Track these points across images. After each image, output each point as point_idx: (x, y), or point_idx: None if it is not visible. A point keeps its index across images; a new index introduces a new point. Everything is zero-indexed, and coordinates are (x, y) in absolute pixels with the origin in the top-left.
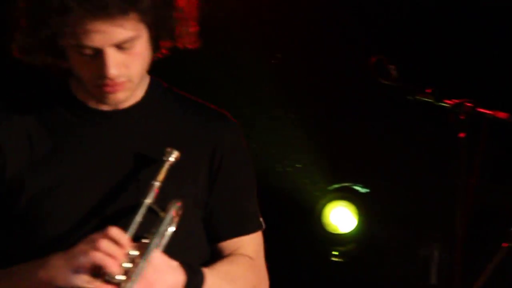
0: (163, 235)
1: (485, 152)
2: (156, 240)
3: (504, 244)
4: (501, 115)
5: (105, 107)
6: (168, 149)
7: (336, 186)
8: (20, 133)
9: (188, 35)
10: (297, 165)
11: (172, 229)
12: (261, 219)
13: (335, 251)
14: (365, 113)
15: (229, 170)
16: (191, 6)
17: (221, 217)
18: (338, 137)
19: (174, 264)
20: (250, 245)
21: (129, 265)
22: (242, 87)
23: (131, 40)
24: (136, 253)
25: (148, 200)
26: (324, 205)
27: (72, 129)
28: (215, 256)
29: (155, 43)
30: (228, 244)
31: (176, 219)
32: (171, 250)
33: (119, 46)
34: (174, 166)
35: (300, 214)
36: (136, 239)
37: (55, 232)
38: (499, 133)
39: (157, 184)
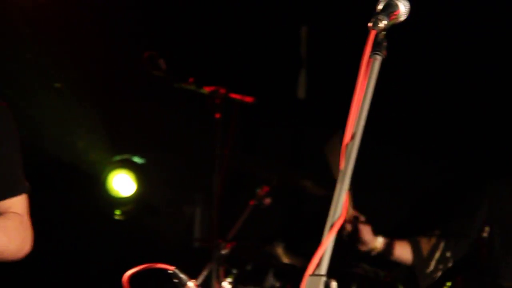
0: None
1: (236, 129)
2: None
3: (251, 202)
4: (248, 99)
5: None
6: None
7: (118, 157)
8: None
9: None
10: (85, 141)
11: None
12: (26, 184)
13: (117, 211)
14: (143, 99)
15: None
16: None
17: None
18: (121, 119)
19: None
20: (19, 206)
21: None
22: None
23: None
24: None
25: None
26: (108, 173)
27: None
28: None
29: None
30: (3, 205)
31: None
32: None
33: None
34: None
35: (88, 182)
36: None
37: None
38: (247, 113)
39: None
